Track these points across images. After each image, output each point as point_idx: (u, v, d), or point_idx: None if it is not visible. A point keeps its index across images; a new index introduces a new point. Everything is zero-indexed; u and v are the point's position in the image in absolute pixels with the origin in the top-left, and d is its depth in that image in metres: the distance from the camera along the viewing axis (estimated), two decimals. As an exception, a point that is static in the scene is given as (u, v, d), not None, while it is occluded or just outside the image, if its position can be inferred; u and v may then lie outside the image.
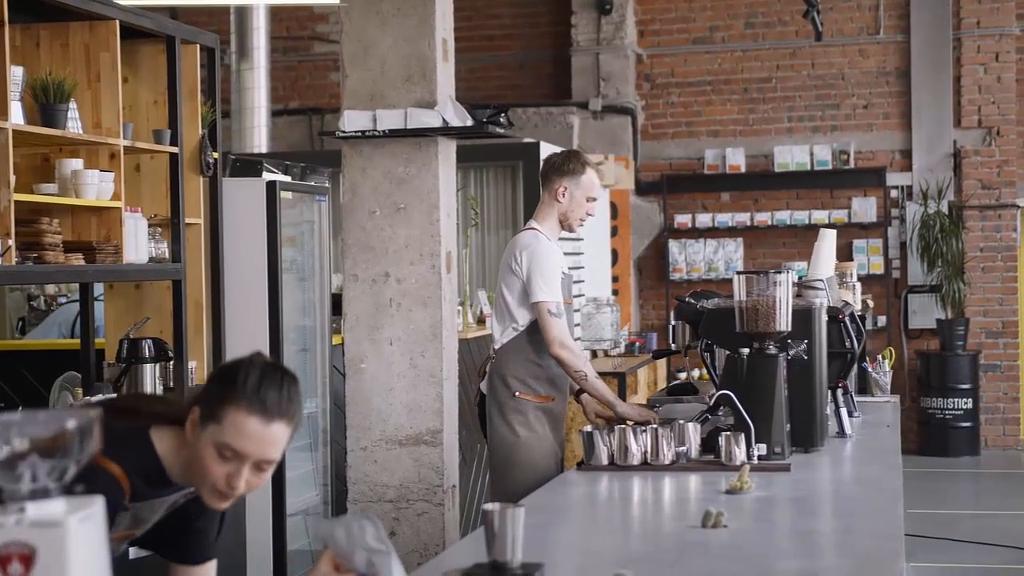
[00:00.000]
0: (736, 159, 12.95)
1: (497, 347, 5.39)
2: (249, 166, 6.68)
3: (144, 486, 2.68)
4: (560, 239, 5.46)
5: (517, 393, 5.27)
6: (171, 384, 5.66)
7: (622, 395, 9.00)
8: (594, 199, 5.41)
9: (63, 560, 1.72)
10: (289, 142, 13.01)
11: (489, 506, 2.76)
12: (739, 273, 4.48)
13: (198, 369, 5.92)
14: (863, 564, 2.93)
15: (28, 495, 1.76)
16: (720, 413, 4.49)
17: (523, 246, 5.28)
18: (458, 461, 6.43)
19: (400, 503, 5.76)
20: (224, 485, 2.61)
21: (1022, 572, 8.15)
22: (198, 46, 5.92)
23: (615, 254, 12.52)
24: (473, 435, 7.36)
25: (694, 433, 4.37)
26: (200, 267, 5.97)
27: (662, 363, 11.36)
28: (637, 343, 11.23)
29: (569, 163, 5.38)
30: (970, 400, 12.33)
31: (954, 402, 12.32)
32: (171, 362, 5.63)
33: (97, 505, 1.80)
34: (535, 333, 5.24)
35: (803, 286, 5.15)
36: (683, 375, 12.29)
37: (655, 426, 4.34)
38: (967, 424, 12.35)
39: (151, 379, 5.47)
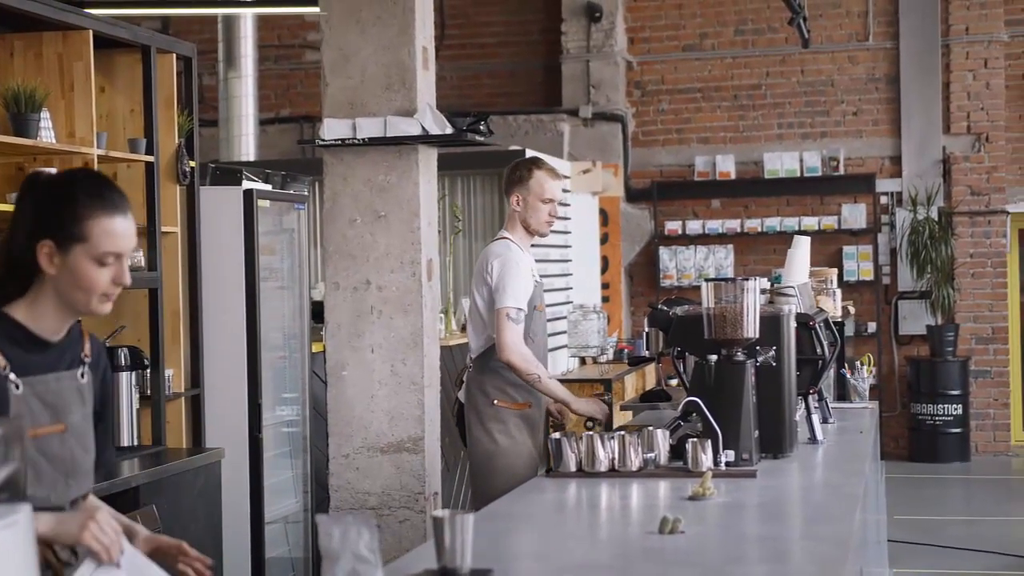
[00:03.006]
0: (726, 166, 12.97)
1: (474, 356, 5.44)
2: (229, 174, 6.69)
3: (19, 351, 2.71)
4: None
5: (496, 401, 5.32)
6: (148, 393, 5.67)
7: (608, 404, 9.00)
8: (550, 200, 5.43)
9: (-16, 567, 1.74)
10: (281, 150, 13.04)
11: (438, 513, 2.79)
12: (707, 280, 4.49)
13: (175, 377, 5.94)
14: (810, 569, 2.94)
15: (-49, 503, 1.78)
16: (691, 420, 4.49)
17: (495, 255, 5.36)
18: (440, 468, 6.43)
19: (382, 510, 5.77)
20: (110, 287, 2.75)
21: (996, 578, 8.16)
22: (174, 55, 5.94)
23: (605, 261, 12.53)
24: (456, 442, 7.37)
25: (663, 440, 4.38)
26: (177, 275, 5.98)
27: (651, 370, 11.35)
28: (626, 350, 11.22)
29: (516, 171, 5.48)
30: (960, 406, 12.34)
31: (944, 408, 12.32)
32: (147, 371, 5.65)
33: (23, 513, 1.81)
34: None
35: (775, 293, 5.16)
36: (674, 382, 12.28)
37: (622, 433, 4.35)
38: (957, 430, 12.36)
39: (127, 388, 5.48)
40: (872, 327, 12.63)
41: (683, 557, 3.11)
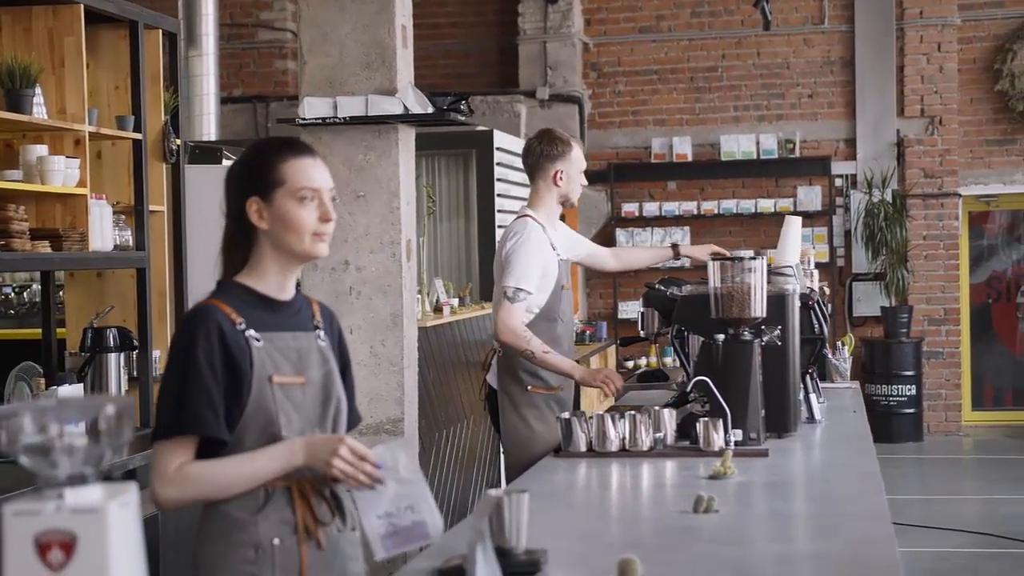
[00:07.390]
0: (683, 148, 13.00)
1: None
2: (208, 153, 6.62)
3: (253, 311, 2.88)
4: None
5: (529, 387, 5.21)
6: (135, 374, 5.59)
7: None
8: (583, 169, 5.52)
9: (104, 546, 1.70)
10: (234, 130, 12.89)
11: (494, 492, 2.76)
12: (714, 259, 4.48)
13: (162, 358, 5.85)
14: (858, 547, 2.94)
15: (66, 481, 1.74)
16: (694, 399, 4.48)
17: (513, 233, 5.28)
18: (418, 450, 6.41)
19: (361, 492, 5.72)
20: (319, 224, 2.89)
21: (966, 555, 8.26)
22: (160, 31, 5.85)
23: (563, 243, 12.50)
24: (432, 424, 7.34)
25: (670, 419, 4.37)
26: (163, 255, 5.90)
27: (612, 351, 11.39)
28: (588, 331, 11.26)
29: (556, 146, 5.41)
30: (913, 387, 12.48)
31: (898, 389, 12.46)
32: (135, 351, 5.56)
33: (132, 492, 1.77)
34: (541, 324, 5.19)
35: (773, 272, 5.16)
36: (643, 362, 12.34)
37: (633, 413, 4.33)
38: (910, 410, 12.50)
39: (115, 369, 5.40)
40: (828, 308, 12.72)
41: (726, 535, 3.10)
